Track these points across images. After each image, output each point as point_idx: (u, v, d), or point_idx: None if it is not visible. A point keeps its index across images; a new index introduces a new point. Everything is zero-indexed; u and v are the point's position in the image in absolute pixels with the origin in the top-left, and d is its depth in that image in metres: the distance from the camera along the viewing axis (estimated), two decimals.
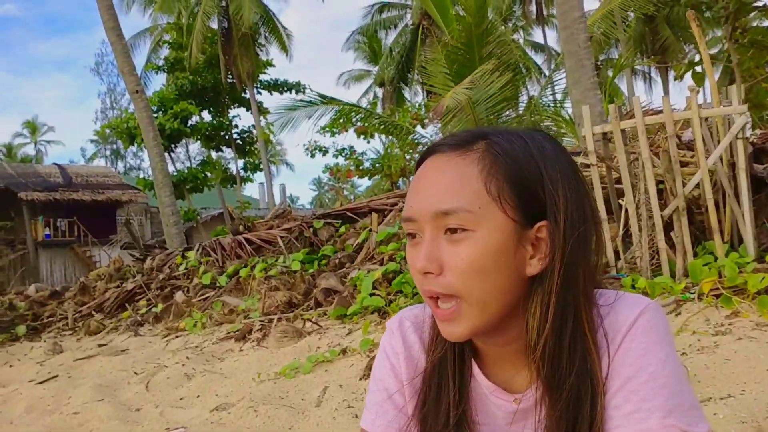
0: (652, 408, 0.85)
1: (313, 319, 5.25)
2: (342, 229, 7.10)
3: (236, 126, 27.55)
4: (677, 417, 0.84)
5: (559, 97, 13.24)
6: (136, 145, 24.31)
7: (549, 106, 13.15)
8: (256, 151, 27.69)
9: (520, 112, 12.53)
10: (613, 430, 0.87)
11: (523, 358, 0.95)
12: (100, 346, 6.09)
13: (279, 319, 5.40)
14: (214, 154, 29.06)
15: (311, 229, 7.20)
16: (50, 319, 7.72)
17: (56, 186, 27.79)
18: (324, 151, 21.76)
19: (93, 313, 7.43)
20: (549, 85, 13.43)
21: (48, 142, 52.79)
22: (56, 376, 5.08)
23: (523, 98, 14.35)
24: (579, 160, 5.47)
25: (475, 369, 1.00)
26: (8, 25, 76.30)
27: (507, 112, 11.77)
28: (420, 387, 1.02)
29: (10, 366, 5.89)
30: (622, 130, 4.68)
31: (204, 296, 6.71)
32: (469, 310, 0.89)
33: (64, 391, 4.59)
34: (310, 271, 6.29)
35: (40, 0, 77.53)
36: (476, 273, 0.86)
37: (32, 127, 51.48)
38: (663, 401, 0.85)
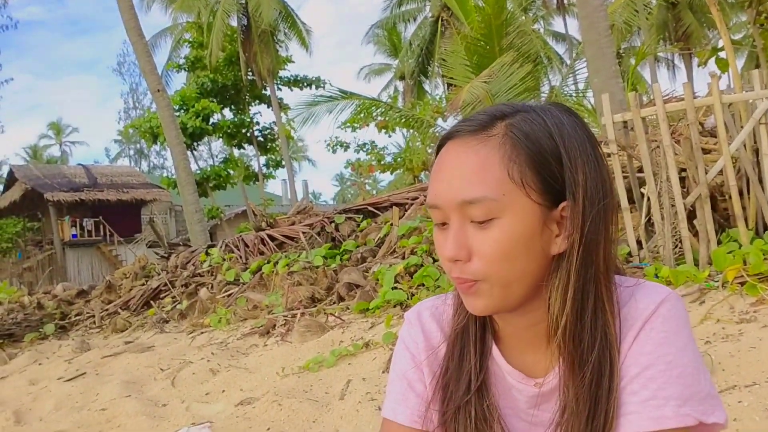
0: (668, 396, 0.86)
1: (336, 314, 5.27)
2: (363, 224, 7.11)
3: (257, 123, 27.69)
4: (692, 406, 0.85)
5: (581, 86, 13.13)
6: (159, 144, 24.56)
7: (571, 95, 13.03)
8: (277, 148, 27.82)
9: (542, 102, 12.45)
10: (628, 416, 0.88)
11: (545, 342, 0.96)
12: (126, 343, 6.17)
13: (302, 314, 5.43)
14: (236, 152, 29.28)
15: (333, 225, 7.23)
16: (78, 317, 7.84)
17: (81, 186, 28.13)
18: (345, 146, 21.80)
19: (119, 311, 7.52)
20: (570, 75, 13.32)
21: (72, 143, 53.56)
22: (84, 373, 5.16)
23: (545, 88, 14.25)
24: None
25: (496, 353, 1.01)
26: (33, 28, 77.52)
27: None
28: (443, 356, 1.03)
29: (40, 364, 6.00)
30: (643, 119, 4.64)
31: (228, 293, 6.77)
32: (490, 290, 0.90)
33: (92, 388, 4.66)
34: (333, 266, 6.31)
35: (63, 2, 78.40)
36: (504, 258, 0.88)
37: (57, 129, 52.19)
38: (679, 390, 0.86)
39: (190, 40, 26.22)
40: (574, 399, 0.91)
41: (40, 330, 7.38)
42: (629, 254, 4.70)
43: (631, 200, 4.84)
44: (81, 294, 8.71)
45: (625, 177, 4.82)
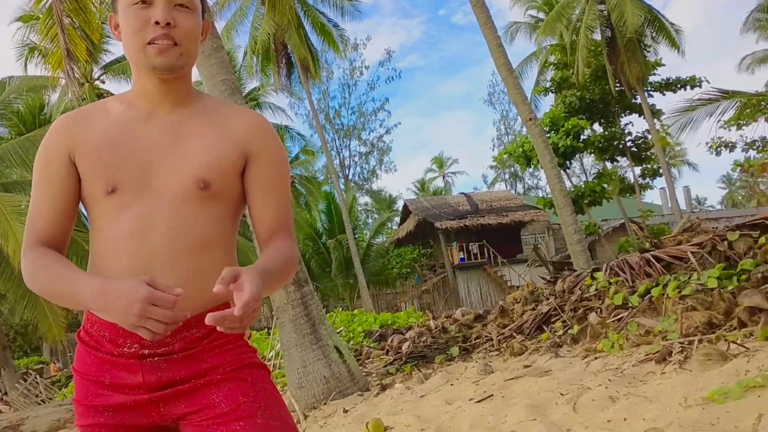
0: None
1: (738, 341, 4.95)
2: (762, 240, 6.52)
3: (629, 133, 26.95)
4: None
5: None
6: (532, 166, 25.38)
7: None
8: (653, 156, 26.69)
9: None
10: None
11: None
12: (525, 367, 6.55)
13: (700, 341, 5.22)
14: (608, 165, 28.81)
15: (725, 243, 6.77)
16: (477, 340, 8.54)
17: (465, 213, 30.48)
18: (731, 146, 20.04)
19: (514, 334, 8.02)
20: None
21: (454, 173, 57.99)
22: (491, 395, 5.63)
23: None
24: None
25: None
26: (414, 74, 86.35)
27: None
28: None
29: (451, 384, 6.69)
30: None
31: (617, 317, 6.77)
32: None
33: (500, 410, 5.08)
34: (729, 288, 5.91)
35: (437, 47, 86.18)
36: None
37: (439, 162, 57.13)
38: None
39: (555, 62, 26.75)
40: None
41: (447, 352, 8.23)
42: None
43: None
44: (478, 318, 9.48)
45: None
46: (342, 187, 33.75)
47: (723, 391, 4.06)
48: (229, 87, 7.06)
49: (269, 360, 9.92)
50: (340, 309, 19.02)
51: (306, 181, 32.50)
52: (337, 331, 11.39)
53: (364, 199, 53.48)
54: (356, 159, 52.32)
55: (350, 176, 51.43)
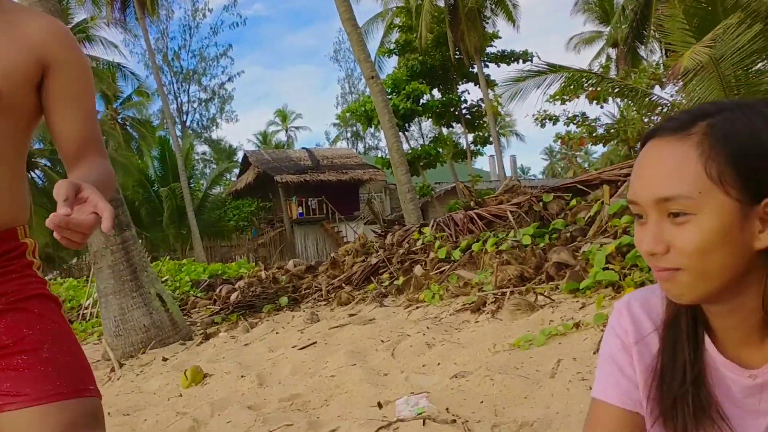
0: None
1: (545, 293, 5.33)
2: (573, 202, 7.04)
3: (465, 101, 28.01)
4: None
5: None
6: (373, 126, 25.73)
7: None
8: (485, 125, 27.95)
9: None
10: None
11: (757, 335, 0.97)
12: (350, 315, 6.68)
13: (512, 293, 5.56)
14: (444, 130, 29.86)
15: (541, 203, 7.24)
16: (307, 290, 8.60)
17: (306, 168, 30.44)
18: (554, 119, 21.36)
19: (343, 285, 8.14)
20: None
21: (297, 128, 57.56)
22: (315, 342, 5.69)
23: None
24: None
25: (709, 345, 1.03)
26: (259, 23, 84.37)
27: (758, 66, 10.68)
28: (654, 347, 1.07)
29: (276, 333, 6.70)
30: None
31: (440, 270, 7.06)
32: (688, 280, 0.93)
33: (322, 356, 5.15)
34: (541, 245, 6.34)
35: None
36: (701, 253, 0.90)
37: (283, 116, 56.40)
38: None
39: (400, 24, 27.11)
40: None
41: (276, 302, 8.21)
42: None
43: None
44: (309, 269, 9.53)
45: None
46: (179, 133, 32.41)
47: (528, 338, 4.35)
48: (47, 9, 6.44)
49: (86, 309, 9.42)
50: (168, 258, 18.36)
51: (139, 125, 30.78)
52: (163, 280, 11.00)
53: (202, 148, 51.77)
54: (195, 105, 50.35)
55: (188, 123, 49.46)
